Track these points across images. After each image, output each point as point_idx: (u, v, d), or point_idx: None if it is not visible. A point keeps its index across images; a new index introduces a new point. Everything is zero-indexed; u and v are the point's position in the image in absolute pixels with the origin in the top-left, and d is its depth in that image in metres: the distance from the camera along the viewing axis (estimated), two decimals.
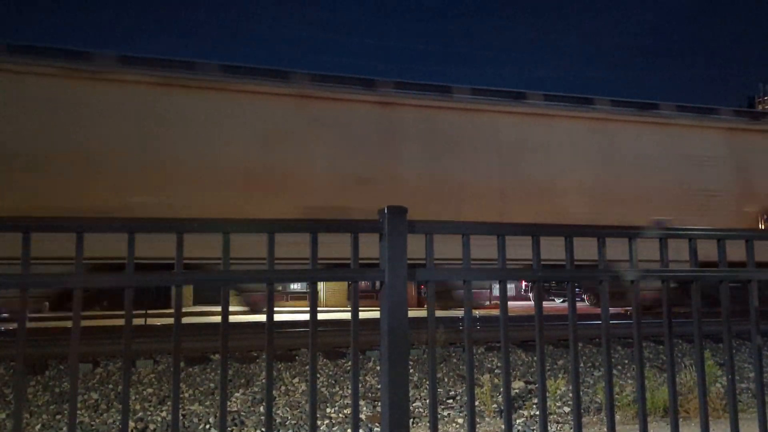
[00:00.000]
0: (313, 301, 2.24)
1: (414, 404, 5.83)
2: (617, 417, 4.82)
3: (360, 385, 6.55)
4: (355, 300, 2.26)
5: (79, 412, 5.61)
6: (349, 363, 7.51)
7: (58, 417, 5.49)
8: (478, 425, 4.99)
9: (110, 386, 6.60)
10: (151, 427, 5.22)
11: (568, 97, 13.97)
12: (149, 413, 5.59)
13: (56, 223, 2.10)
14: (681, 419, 4.67)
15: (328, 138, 11.74)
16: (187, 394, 6.32)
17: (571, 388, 2.60)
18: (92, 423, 5.30)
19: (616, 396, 5.22)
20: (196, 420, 5.36)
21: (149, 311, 12.46)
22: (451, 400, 6.05)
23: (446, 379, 7.00)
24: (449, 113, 12.70)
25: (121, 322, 2.10)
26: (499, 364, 7.72)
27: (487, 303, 15.64)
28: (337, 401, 6.06)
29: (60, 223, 2.10)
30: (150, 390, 6.45)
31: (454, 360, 8.03)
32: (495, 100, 13.10)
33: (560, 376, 6.59)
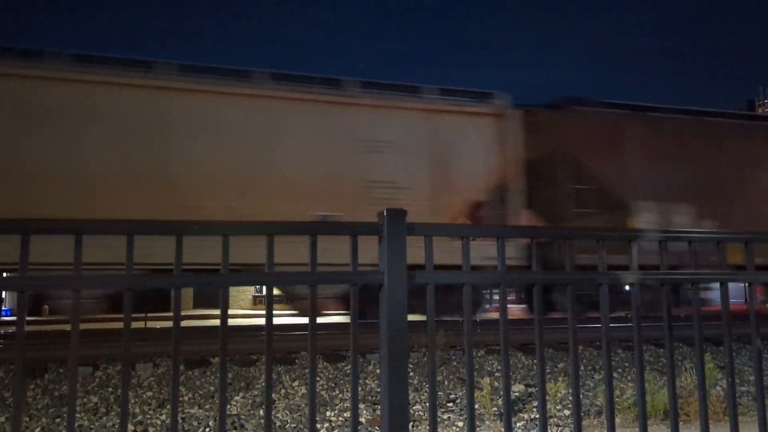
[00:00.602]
0: (312, 304, 2.24)
1: (414, 407, 5.82)
2: (617, 420, 4.82)
3: (360, 388, 6.56)
4: (354, 303, 2.26)
5: (78, 415, 5.60)
6: (349, 366, 7.51)
7: (57, 420, 5.48)
8: (478, 428, 4.98)
9: (110, 389, 6.59)
10: (151, 430, 5.22)
11: (215, 68, 12.34)
12: (149, 416, 5.59)
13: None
14: (681, 422, 4.66)
15: None
16: (186, 398, 6.31)
17: (571, 391, 2.60)
18: (91, 426, 5.29)
19: (617, 399, 5.21)
20: (195, 423, 5.35)
21: (149, 314, 12.46)
22: (451, 404, 6.04)
23: (446, 382, 6.99)
24: (47, 85, 11.05)
25: (120, 325, 2.10)
26: (498, 367, 7.71)
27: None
28: (336, 404, 6.06)
29: (59, 226, 2.10)
30: (150, 393, 6.44)
31: (454, 363, 8.02)
32: (94, 68, 11.44)
33: (560, 379, 6.58)
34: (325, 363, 7.80)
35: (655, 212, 14.91)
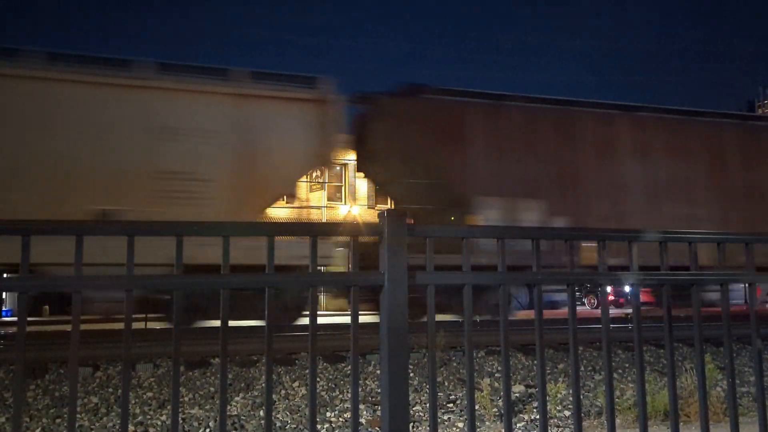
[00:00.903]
0: (312, 305, 2.24)
1: (414, 408, 5.82)
2: (617, 421, 4.81)
3: (360, 389, 6.54)
4: (354, 304, 2.26)
5: (78, 415, 5.60)
6: (349, 367, 7.51)
7: (57, 421, 5.48)
8: (478, 429, 4.98)
9: (110, 390, 6.59)
10: (151, 431, 5.22)
11: None
12: (149, 417, 5.59)
13: (56, 226, 2.10)
14: (681, 423, 4.66)
15: None
16: (186, 398, 6.31)
17: (571, 391, 2.60)
18: (92, 427, 5.29)
19: (617, 400, 5.21)
20: (195, 424, 5.35)
21: (149, 315, 12.45)
22: (451, 404, 6.04)
23: (446, 383, 6.99)
24: None
25: (120, 325, 2.10)
26: (499, 368, 7.71)
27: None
28: (336, 405, 6.06)
29: (60, 227, 2.10)
30: (150, 394, 6.44)
31: (454, 364, 8.02)
32: None
33: (560, 379, 6.58)
34: (324, 364, 7.80)
35: (500, 208, 13.88)
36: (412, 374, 7.31)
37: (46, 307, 16.92)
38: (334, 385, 6.88)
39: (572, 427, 4.23)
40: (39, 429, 5.25)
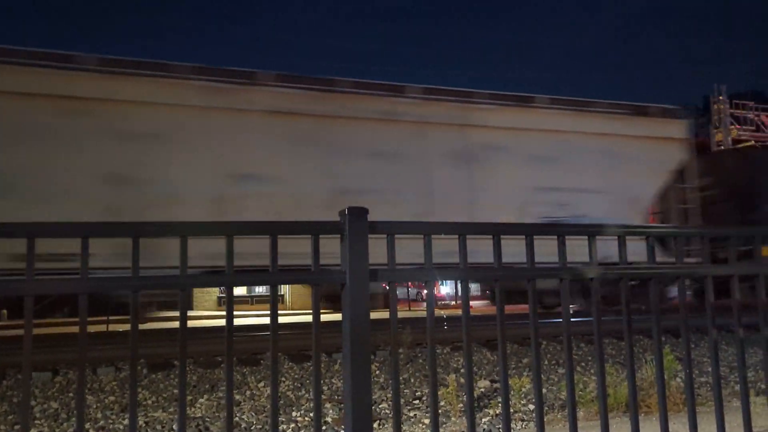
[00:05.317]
0: (273, 304, 2.22)
1: (380, 405, 5.83)
2: (581, 413, 4.89)
3: (327, 388, 6.54)
4: (315, 303, 2.25)
5: (39, 422, 5.48)
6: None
7: (16, 428, 5.36)
8: (444, 425, 5.01)
9: (70, 395, 6.46)
10: None
11: None
12: (111, 421, 5.50)
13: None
14: (643, 414, 4.75)
15: None
16: (150, 401, 6.23)
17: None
18: None
19: (580, 393, 5.28)
20: (159, 427, 5.28)
21: (111, 317, 12.26)
22: (417, 401, 6.06)
23: (412, 380, 7.01)
24: None
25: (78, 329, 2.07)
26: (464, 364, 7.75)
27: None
28: (303, 405, 6.03)
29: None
30: (112, 398, 6.33)
31: (420, 360, 8.04)
32: None
33: (525, 374, 6.65)
34: (290, 363, 7.76)
35: None
36: (378, 372, 7.32)
37: (5, 311, 16.52)
38: (300, 385, 6.85)
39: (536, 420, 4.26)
40: None
